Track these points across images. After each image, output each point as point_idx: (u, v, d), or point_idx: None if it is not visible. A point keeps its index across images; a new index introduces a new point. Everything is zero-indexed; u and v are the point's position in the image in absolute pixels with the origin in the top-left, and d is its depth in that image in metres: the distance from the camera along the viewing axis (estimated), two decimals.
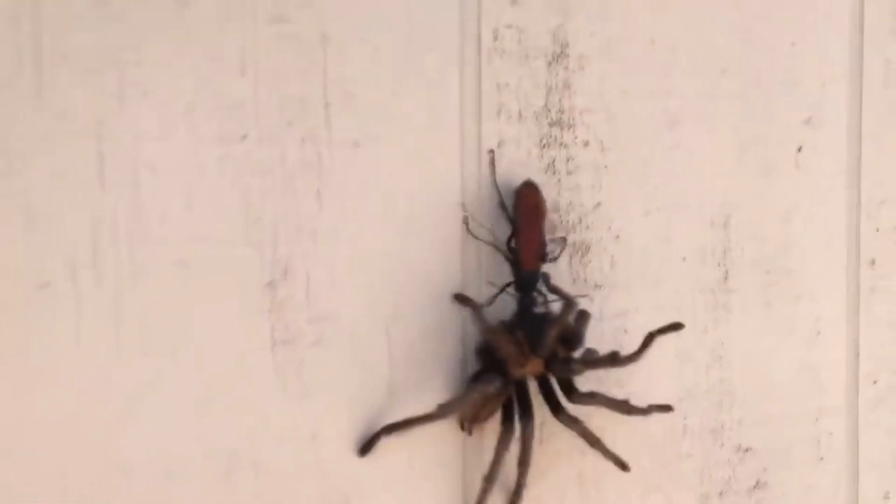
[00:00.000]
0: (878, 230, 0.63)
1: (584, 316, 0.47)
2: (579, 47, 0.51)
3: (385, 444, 0.44)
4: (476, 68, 0.48)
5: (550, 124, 0.50)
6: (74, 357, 0.38)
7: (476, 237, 0.46)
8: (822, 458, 0.60)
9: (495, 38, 0.49)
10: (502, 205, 0.48)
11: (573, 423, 0.47)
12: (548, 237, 0.48)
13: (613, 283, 0.52)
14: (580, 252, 0.52)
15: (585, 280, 0.52)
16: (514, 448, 0.45)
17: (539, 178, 0.50)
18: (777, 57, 0.58)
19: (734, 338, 0.57)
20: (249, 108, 0.42)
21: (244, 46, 0.42)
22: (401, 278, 0.45)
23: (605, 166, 0.52)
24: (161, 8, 0.39)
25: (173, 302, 0.40)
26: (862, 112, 0.61)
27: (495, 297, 0.46)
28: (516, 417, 0.44)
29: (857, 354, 0.62)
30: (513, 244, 0.47)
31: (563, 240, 0.49)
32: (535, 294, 0.46)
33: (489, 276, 0.47)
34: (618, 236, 0.53)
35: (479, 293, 0.47)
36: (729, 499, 0.56)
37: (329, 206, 0.44)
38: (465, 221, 0.46)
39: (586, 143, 0.51)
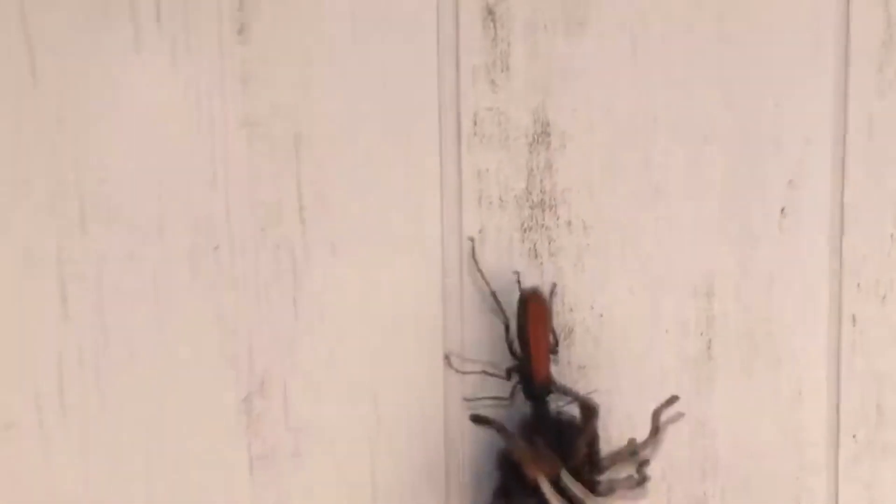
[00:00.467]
0: (858, 286, 0.62)
1: (592, 416, 0.46)
2: (561, 125, 0.50)
3: None
4: (456, 157, 0.46)
5: (532, 207, 0.49)
6: (44, 495, 0.37)
7: (461, 372, 0.44)
8: None
9: (475, 123, 0.47)
10: (494, 295, 0.46)
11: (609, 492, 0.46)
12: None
13: (598, 363, 0.51)
14: (563, 333, 0.51)
15: (569, 362, 0.51)
16: None
17: (521, 264, 0.49)
18: (760, 118, 0.56)
19: (717, 408, 0.56)
20: (220, 218, 0.40)
21: (214, 154, 0.40)
22: (383, 384, 0.44)
23: (588, 245, 0.51)
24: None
25: (144, 430, 0.38)
26: (845, 168, 0.60)
27: (510, 401, 0.45)
28: None
29: (838, 410, 0.62)
30: (517, 351, 0.45)
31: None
32: (549, 402, 0.46)
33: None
34: (601, 315, 0.52)
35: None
36: None
37: (306, 313, 0.42)
38: (447, 359, 0.45)
39: (569, 224, 0.50)
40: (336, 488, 0.42)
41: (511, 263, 0.48)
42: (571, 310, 0.51)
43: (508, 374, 0.46)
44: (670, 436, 0.55)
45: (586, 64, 0.50)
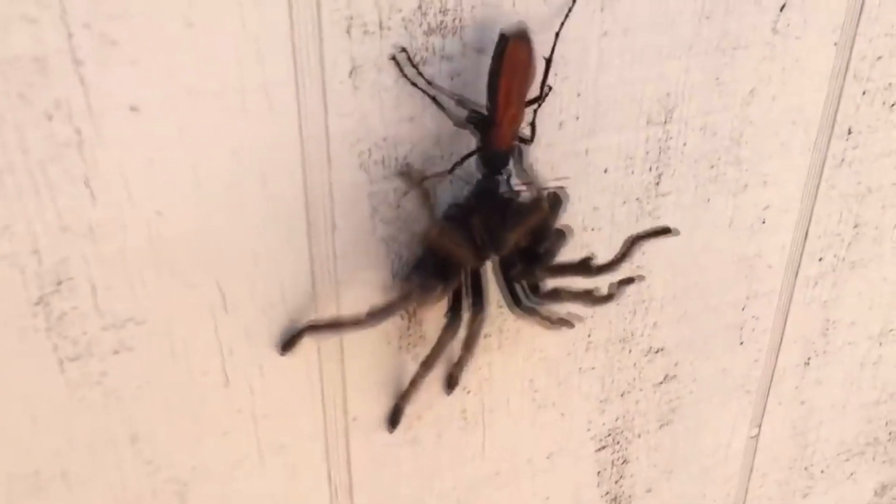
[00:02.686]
0: (864, 93, 0.50)
1: (557, 202, 0.38)
2: None
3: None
4: None
5: (427, 33, 0.36)
6: None
7: (413, 83, 0.35)
8: (741, 343, 0.55)
9: None
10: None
11: (531, 313, 0.40)
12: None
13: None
14: None
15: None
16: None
17: (413, 108, 0.37)
18: None
19: (659, 244, 0.48)
20: None
21: None
22: (231, 269, 0.35)
23: None
24: None
25: None
26: None
27: (453, 170, 0.37)
28: (464, 306, 0.38)
29: (806, 234, 0.54)
30: (484, 109, 0.36)
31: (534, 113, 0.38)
32: (500, 175, 0.37)
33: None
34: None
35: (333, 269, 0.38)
36: (632, 396, 0.53)
37: (104, 195, 0.32)
38: (394, 58, 0.35)
39: (480, 51, 0.38)
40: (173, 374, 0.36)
41: (397, 112, 0.37)
42: None
43: (468, 121, 0.36)
44: (599, 279, 0.47)
45: None
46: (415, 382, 0.40)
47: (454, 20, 0.36)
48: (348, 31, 0.34)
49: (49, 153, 0.31)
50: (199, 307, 0.36)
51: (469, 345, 0.40)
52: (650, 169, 0.45)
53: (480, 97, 0.37)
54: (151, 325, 0.35)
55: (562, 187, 0.41)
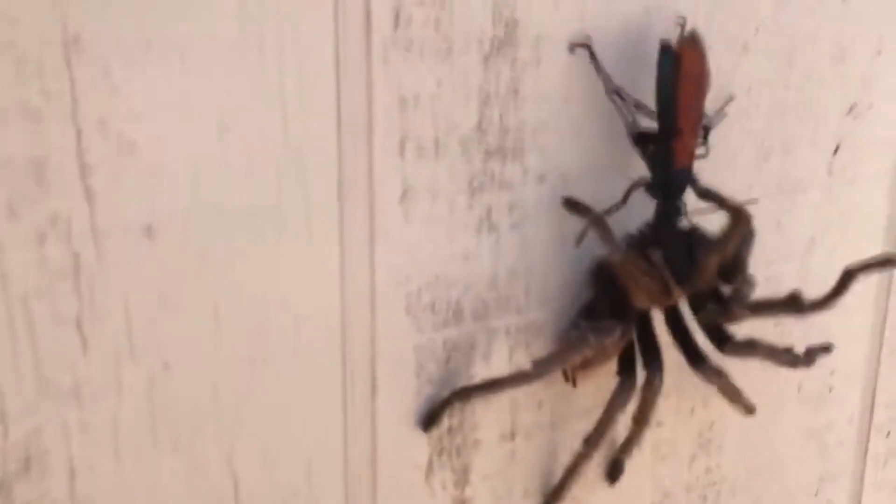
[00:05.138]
0: None
1: (748, 235, 0.31)
2: (534, 25, 0.31)
3: None
4: (363, 72, 0.28)
5: (487, 154, 0.31)
6: None
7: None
8: None
9: (396, 23, 0.28)
10: (618, 93, 0.31)
11: (717, 377, 0.33)
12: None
13: None
14: None
15: None
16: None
17: (468, 242, 0.32)
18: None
19: (728, 415, 0.42)
20: None
21: None
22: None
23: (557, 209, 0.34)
24: None
25: None
26: None
27: (626, 200, 0.32)
28: (639, 365, 0.32)
29: (872, 405, 0.48)
30: (661, 125, 0.31)
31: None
32: (681, 200, 0.32)
33: None
34: None
35: None
36: None
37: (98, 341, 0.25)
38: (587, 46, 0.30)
39: (541, 178, 0.33)
40: None
41: (450, 246, 0.31)
42: (539, 307, 0.34)
43: (637, 143, 0.31)
44: (665, 460, 0.40)
45: None
46: (574, 469, 0.33)
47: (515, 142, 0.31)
48: (401, 150, 0.29)
49: (36, 284, 0.24)
50: (205, 498, 0.28)
51: (642, 417, 0.33)
52: None
53: (542, 230, 0.32)
54: None
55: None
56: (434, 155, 0.30)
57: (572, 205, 0.31)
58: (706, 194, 0.31)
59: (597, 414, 0.33)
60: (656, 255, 0.31)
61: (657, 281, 0.31)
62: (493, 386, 0.31)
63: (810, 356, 0.34)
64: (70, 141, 0.24)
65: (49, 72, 0.23)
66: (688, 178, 0.32)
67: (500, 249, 0.32)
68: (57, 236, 0.24)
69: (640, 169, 0.33)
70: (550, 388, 0.35)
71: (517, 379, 0.30)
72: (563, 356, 0.31)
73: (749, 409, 0.35)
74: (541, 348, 0.34)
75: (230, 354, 0.27)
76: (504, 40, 0.30)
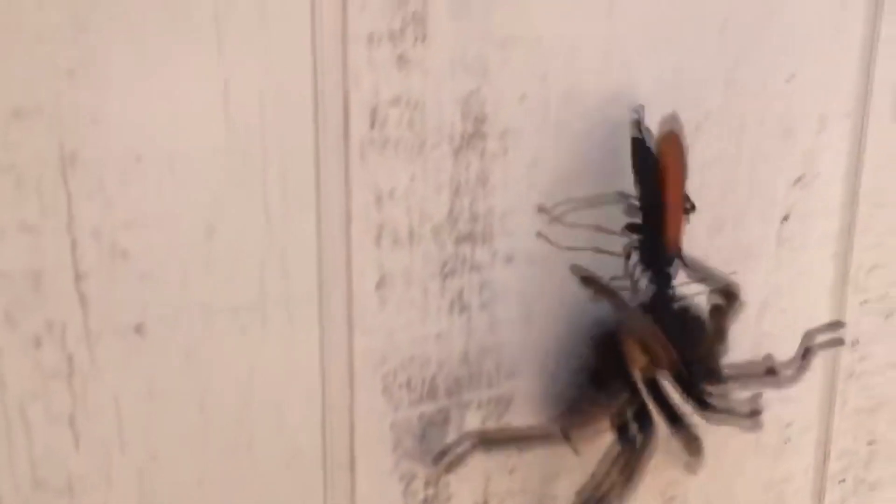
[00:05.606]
0: (863, 303, 0.49)
1: (734, 307, 0.33)
2: (503, 120, 0.33)
3: None
4: (342, 171, 0.30)
5: (458, 240, 0.33)
6: None
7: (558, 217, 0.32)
8: None
9: (373, 124, 0.30)
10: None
11: (694, 440, 0.35)
12: None
13: None
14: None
15: None
16: None
17: (441, 323, 0.33)
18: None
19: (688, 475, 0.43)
20: None
21: None
22: None
23: (537, 287, 0.36)
24: None
25: None
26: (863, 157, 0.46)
27: (627, 276, 0.33)
28: (634, 428, 0.34)
29: (826, 455, 0.50)
30: (646, 216, 0.33)
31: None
32: (674, 280, 0.33)
33: None
34: None
35: None
36: None
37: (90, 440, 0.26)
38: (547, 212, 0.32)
39: (509, 259, 0.35)
40: None
41: (424, 327, 0.33)
42: (510, 377, 0.36)
43: (630, 232, 0.33)
44: None
45: (538, 27, 0.33)
46: None
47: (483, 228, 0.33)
48: (378, 241, 0.31)
49: (32, 387, 0.25)
50: None
51: (629, 476, 0.34)
52: None
53: (511, 308, 0.34)
54: None
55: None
56: (409, 244, 0.32)
57: (584, 278, 0.33)
58: (696, 273, 0.33)
59: (566, 478, 0.35)
60: (654, 329, 0.33)
61: (663, 350, 0.33)
62: (512, 439, 0.33)
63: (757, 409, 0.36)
64: (65, 251, 0.25)
65: (47, 189, 0.24)
66: (675, 257, 0.33)
67: (472, 328, 0.34)
68: (52, 340, 0.25)
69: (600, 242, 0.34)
70: (522, 455, 0.37)
71: (539, 438, 0.32)
72: (587, 421, 0.33)
73: (694, 470, 0.37)
74: (512, 418, 0.36)
75: (216, 443, 0.29)
76: (473, 134, 0.32)
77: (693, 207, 0.37)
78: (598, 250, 0.33)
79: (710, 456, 0.43)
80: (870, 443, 0.52)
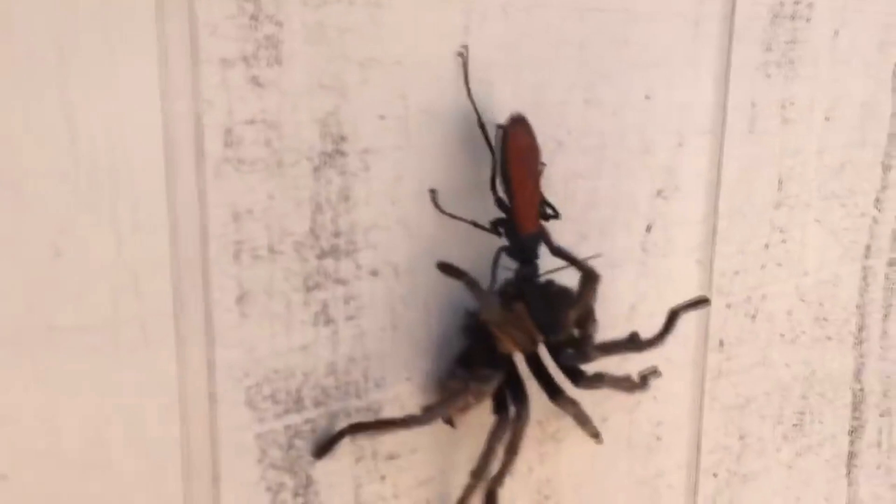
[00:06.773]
0: (728, 306, 0.52)
1: (593, 284, 0.36)
2: (363, 139, 0.34)
3: None
4: (195, 190, 0.30)
5: (321, 255, 0.34)
6: None
7: (448, 214, 0.35)
8: None
9: (228, 143, 0.31)
10: (482, 126, 0.35)
11: (572, 405, 0.39)
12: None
13: None
14: None
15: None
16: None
17: (306, 335, 0.34)
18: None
19: (564, 471, 0.46)
20: None
21: None
22: None
23: (403, 297, 0.37)
24: None
25: None
26: (721, 171, 0.49)
27: (494, 267, 0.36)
28: (510, 403, 0.37)
29: (698, 450, 0.53)
30: (503, 198, 0.36)
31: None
32: (536, 260, 0.36)
33: None
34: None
35: None
36: None
37: None
38: (434, 198, 0.35)
39: (374, 272, 0.36)
40: None
41: (289, 340, 0.34)
42: (377, 387, 0.37)
43: (495, 227, 0.36)
44: None
45: (396, 49, 0.34)
46: (464, 500, 0.36)
47: (348, 243, 0.34)
48: (237, 258, 0.32)
49: None
50: None
51: (513, 448, 0.36)
52: None
53: (377, 319, 0.35)
54: None
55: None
56: (269, 259, 0.33)
57: (447, 269, 0.35)
58: (559, 253, 0.36)
59: (433, 484, 0.36)
60: (520, 308, 0.36)
61: (524, 331, 0.36)
62: (384, 425, 0.35)
63: (644, 380, 0.43)
64: None
65: None
66: (537, 241, 0.36)
67: (338, 339, 0.35)
68: None
69: (462, 258, 0.36)
70: (392, 462, 0.38)
71: (407, 422, 0.34)
72: (450, 402, 0.35)
73: (595, 434, 0.41)
74: None
75: (71, 462, 0.29)
76: (333, 153, 0.33)
77: (557, 214, 0.39)
78: (475, 224, 0.36)
79: (582, 455, 0.45)
80: (741, 437, 0.55)
